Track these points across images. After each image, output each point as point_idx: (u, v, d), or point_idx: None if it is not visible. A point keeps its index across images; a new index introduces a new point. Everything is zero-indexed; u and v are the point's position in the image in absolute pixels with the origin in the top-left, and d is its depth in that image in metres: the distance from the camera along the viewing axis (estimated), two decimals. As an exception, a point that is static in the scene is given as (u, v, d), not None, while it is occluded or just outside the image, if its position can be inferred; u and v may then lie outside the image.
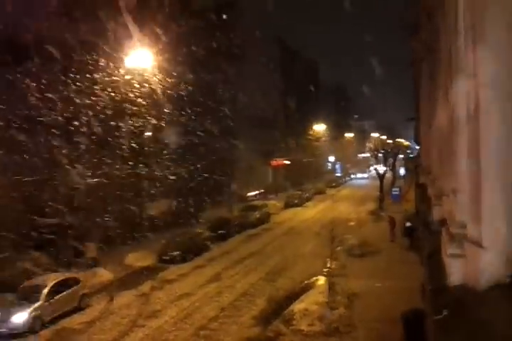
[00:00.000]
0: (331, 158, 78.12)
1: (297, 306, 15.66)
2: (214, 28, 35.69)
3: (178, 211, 31.97)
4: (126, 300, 17.71)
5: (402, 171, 60.83)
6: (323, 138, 64.70)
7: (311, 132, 61.29)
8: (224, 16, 39.62)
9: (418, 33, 13.94)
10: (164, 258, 22.95)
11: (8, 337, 14.37)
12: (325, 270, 19.99)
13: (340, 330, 13.70)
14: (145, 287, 19.17)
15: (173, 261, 22.74)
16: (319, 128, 62.44)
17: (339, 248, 23.86)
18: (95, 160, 22.60)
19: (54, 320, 15.53)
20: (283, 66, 55.77)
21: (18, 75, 19.98)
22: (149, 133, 27.50)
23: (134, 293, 18.49)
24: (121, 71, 21.94)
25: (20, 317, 14.53)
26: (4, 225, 19.76)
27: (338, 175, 76.26)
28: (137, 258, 22.69)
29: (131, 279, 20.26)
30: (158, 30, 25.77)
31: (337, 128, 72.34)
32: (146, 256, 23.07)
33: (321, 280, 19.10)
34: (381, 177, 41.82)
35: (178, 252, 23.11)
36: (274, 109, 52.71)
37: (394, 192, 40.05)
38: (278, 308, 16.15)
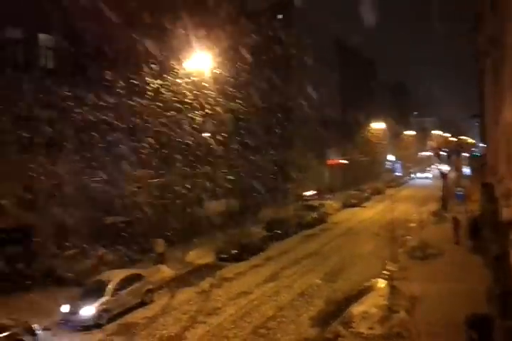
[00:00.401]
0: (390, 157, 76.16)
1: (356, 308, 15.46)
2: (270, 28, 35.91)
3: (235, 210, 32.43)
4: (187, 296, 18.21)
5: (466, 170, 58.30)
6: (382, 136, 63.20)
7: (369, 130, 60.07)
8: (279, 16, 39.75)
9: (482, 27, 13.37)
10: (222, 256, 23.40)
11: (77, 329, 15.19)
12: (385, 272, 19.57)
13: (402, 335, 13.37)
14: (205, 284, 19.61)
15: (231, 259, 23.11)
16: (377, 126, 61.02)
17: (400, 250, 23.28)
18: (159, 162, 23.42)
19: (119, 315, 16.18)
20: (340, 64, 55.08)
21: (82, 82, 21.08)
22: (208, 134, 28.11)
23: (194, 289, 18.98)
24: (182, 76, 22.56)
25: (88, 311, 15.29)
26: (74, 222, 20.92)
27: (398, 174, 74.22)
28: (197, 256, 23.27)
29: (191, 276, 20.88)
30: (216, 33, 26.27)
31: (396, 126, 70.48)
32: (205, 254, 23.61)
33: (381, 282, 18.73)
34: (444, 176, 40.32)
35: (235, 251, 23.45)
36: (331, 107, 52.16)
37: (458, 192, 38.41)
38: (336, 310, 16.03)
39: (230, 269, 21.95)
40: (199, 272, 21.46)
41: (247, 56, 31.13)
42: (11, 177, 18.73)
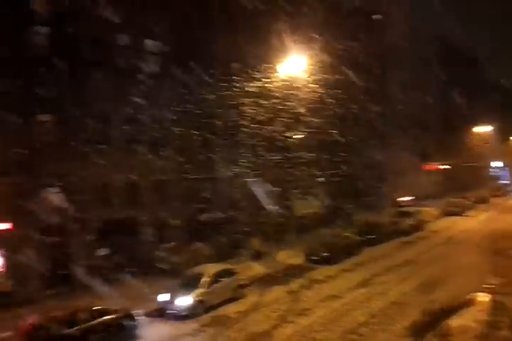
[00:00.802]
0: (497, 164, 70.75)
1: (454, 321, 14.55)
2: (366, 27, 35.19)
3: (326, 212, 32.15)
4: (276, 295, 18.39)
5: None
6: (487, 141, 58.90)
7: (473, 134, 56.28)
8: (377, 16, 38.80)
9: None
10: (312, 258, 23.32)
11: (174, 317, 15.99)
12: (487, 286, 18.24)
13: (504, 354, 12.41)
14: (294, 284, 19.66)
15: (321, 261, 22.97)
16: (483, 129, 56.86)
17: (504, 263, 21.59)
18: (255, 161, 23.94)
19: (212, 307, 16.73)
20: (443, 64, 52.31)
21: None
22: (301, 136, 28.13)
23: (283, 289, 19.11)
24: (277, 77, 22.84)
25: (185, 301, 16.04)
26: (174, 217, 22.13)
27: (505, 182, 68.70)
28: (287, 256, 23.46)
29: (281, 275, 20.97)
30: (310, 34, 26.21)
31: (504, 131, 65.32)
32: (295, 254, 23.72)
33: (482, 296, 17.44)
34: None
35: (326, 253, 23.26)
36: (431, 109, 49.74)
37: None
38: (432, 321, 15.21)
39: (320, 271, 21.80)
40: (289, 272, 21.54)
41: (342, 56, 30.71)
42: (118, 172, 20.26)
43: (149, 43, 22.44)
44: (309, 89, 25.47)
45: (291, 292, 18.79)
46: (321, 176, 30.46)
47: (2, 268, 17.38)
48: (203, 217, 23.13)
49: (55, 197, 18.49)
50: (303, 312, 16.45)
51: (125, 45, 21.38)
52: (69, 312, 13.90)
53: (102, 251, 20.10)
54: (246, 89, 22.89)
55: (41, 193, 18.09)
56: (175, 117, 22.20)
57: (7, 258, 17.41)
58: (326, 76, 27.32)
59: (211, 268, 17.87)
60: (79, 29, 19.13)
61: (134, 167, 20.95)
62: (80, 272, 18.80)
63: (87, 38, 19.38)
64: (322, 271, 21.80)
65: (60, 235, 18.58)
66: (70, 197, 18.69)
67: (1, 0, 17.35)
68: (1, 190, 17.00)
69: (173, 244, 21.71)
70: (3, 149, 17.17)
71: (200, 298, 16.28)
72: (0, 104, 16.89)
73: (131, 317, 14.98)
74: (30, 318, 13.39)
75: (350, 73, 32.04)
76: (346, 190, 33.26)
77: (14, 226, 17.29)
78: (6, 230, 17.13)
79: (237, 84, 22.97)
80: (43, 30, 18.74)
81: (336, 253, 23.63)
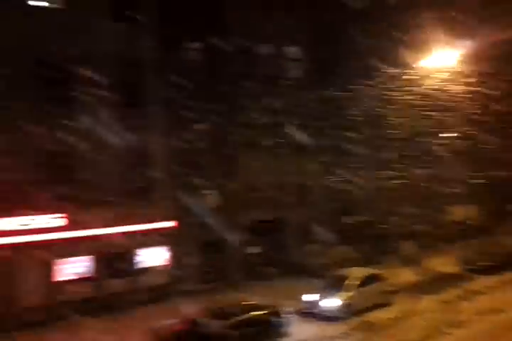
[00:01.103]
0: None
1: None
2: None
3: (485, 219, 29.44)
4: (428, 304, 17.38)
5: None
6: None
7: None
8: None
9: None
10: (469, 267, 21.69)
11: (321, 318, 16.03)
12: None
13: None
14: (449, 294, 18.44)
15: (479, 271, 21.23)
16: None
17: None
18: (397, 162, 23.01)
19: (360, 312, 16.38)
20: None
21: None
22: (454, 135, 26.14)
23: (436, 298, 18.01)
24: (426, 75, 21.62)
25: (333, 303, 16.04)
26: (318, 219, 22.31)
27: None
28: (439, 263, 22.15)
29: (433, 284, 19.86)
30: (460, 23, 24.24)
31: None
32: (448, 262, 22.27)
33: None
34: None
35: (486, 263, 21.48)
36: None
37: None
38: None
39: (479, 282, 20.12)
40: (442, 280, 20.26)
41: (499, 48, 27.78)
42: (266, 175, 21.14)
43: (290, 50, 23.03)
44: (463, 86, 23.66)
45: (445, 302, 17.62)
46: (478, 179, 27.90)
47: (168, 262, 19.21)
48: (349, 219, 22.88)
49: (212, 198, 19.99)
50: (459, 324, 15.28)
51: (268, 53, 22.19)
52: (222, 305, 14.80)
53: (254, 250, 21.08)
54: (390, 90, 22.11)
55: (200, 194, 19.65)
56: (321, 121, 22.36)
57: (172, 254, 19.19)
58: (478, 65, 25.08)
59: (358, 272, 17.63)
60: (227, 42, 20.30)
61: (281, 170, 21.60)
62: (233, 268, 19.98)
63: (235, 50, 20.50)
64: (481, 282, 20.11)
65: (216, 233, 19.87)
66: (224, 198, 20.02)
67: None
68: (167, 193, 18.85)
69: (317, 245, 21.88)
70: (169, 156, 19.05)
71: (348, 301, 16.13)
72: (161, 114, 18.80)
73: (278, 314, 15.25)
74: (194, 309, 14.54)
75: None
76: (505, 192, 30.03)
77: (178, 224, 19.03)
78: (172, 228, 18.95)
79: (383, 87, 22.29)
80: (195, 45, 20.33)
81: (500, 263, 21.66)
